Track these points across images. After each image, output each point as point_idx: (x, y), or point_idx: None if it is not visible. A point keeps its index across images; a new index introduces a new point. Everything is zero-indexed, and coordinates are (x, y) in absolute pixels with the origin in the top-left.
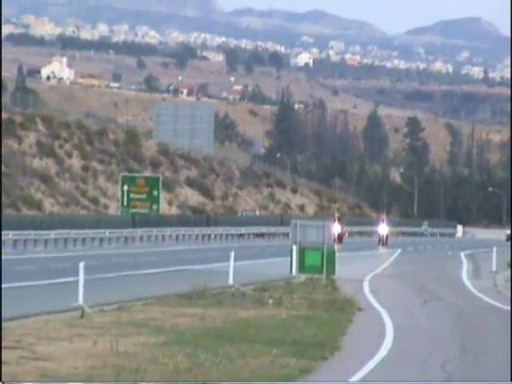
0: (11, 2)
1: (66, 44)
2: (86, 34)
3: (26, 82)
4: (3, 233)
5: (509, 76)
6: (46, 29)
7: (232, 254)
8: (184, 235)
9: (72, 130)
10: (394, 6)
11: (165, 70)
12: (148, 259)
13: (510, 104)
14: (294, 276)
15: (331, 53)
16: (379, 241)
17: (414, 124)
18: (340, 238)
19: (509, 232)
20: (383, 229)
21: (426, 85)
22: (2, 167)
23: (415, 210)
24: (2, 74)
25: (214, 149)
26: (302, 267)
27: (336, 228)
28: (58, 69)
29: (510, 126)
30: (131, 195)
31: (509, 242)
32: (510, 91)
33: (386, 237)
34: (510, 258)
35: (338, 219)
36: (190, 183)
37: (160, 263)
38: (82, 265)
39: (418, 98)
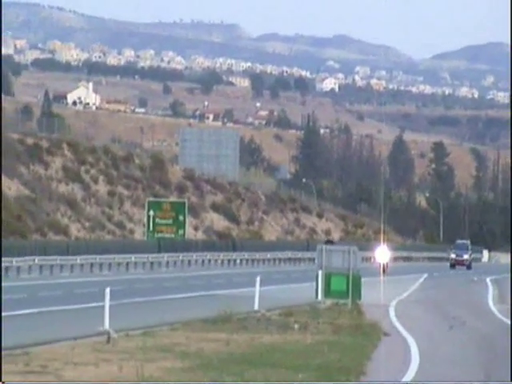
0: (37, 28)
1: (92, 69)
2: (111, 60)
3: (52, 108)
4: (29, 258)
5: None
6: (72, 54)
7: (258, 278)
8: (210, 260)
9: (98, 156)
10: (418, 31)
11: (190, 95)
12: (173, 284)
13: None
14: (319, 301)
15: (357, 78)
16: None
17: (439, 149)
18: None
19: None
20: (383, 254)
21: (452, 110)
22: (29, 192)
23: (441, 235)
24: (29, 100)
25: (240, 174)
26: (327, 292)
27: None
28: (84, 94)
29: None
30: (157, 220)
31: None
32: None
33: (386, 264)
34: None
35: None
36: (216, 208)
37: (185, 288)
38: (108, 290)
39: (444, 123)
